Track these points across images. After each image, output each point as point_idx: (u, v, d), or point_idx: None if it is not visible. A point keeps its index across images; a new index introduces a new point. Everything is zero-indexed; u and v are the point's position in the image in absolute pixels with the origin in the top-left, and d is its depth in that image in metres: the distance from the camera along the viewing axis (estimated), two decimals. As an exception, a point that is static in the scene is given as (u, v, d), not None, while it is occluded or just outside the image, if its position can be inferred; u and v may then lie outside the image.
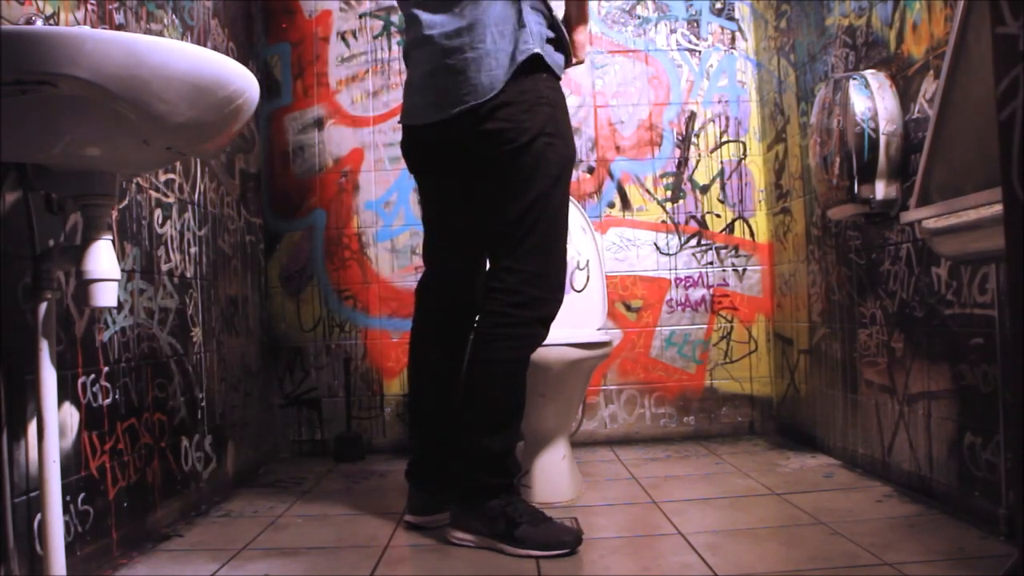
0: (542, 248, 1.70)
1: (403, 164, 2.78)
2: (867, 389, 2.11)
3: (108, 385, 1.62)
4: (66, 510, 1.41)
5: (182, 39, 2.09)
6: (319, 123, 2.85)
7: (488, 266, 1.81)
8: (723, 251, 2.86)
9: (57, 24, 1.46)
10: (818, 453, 2.42)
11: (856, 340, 2.17)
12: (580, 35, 1.89)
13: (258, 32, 2.82)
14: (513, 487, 1.72)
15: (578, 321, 2.46)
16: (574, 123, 2.84)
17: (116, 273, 1.24)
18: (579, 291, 2.49)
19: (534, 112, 1.65)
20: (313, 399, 2.81)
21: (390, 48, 2.86)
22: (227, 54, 2.40)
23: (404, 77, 1.84)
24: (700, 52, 2.89)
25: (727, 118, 2.88)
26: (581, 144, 2.85)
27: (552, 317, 1.73)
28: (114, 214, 1.67)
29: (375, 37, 2.87)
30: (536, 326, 1.71)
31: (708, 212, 2.86)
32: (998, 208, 0.91)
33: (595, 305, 2.47)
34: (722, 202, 2.87)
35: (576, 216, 2.53)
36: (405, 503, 1.90)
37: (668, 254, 2.85)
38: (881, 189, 1.86)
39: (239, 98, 1.22)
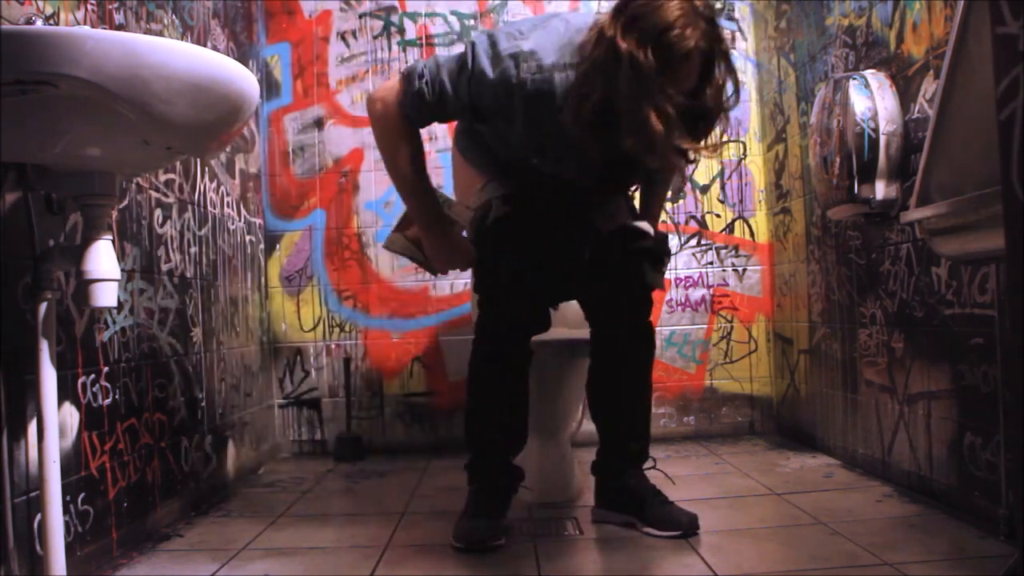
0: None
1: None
2: (867, 389, 2.11)
3: (108, 385, 1.62)
4: (66, 510, 1.41)
5: (182, 39, 2.09)
6: (319, 123, 2.85)
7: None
8: (723, 251, 2.86)
9: (57, 24, 1.46)
10: (818, 453, 2.42)
11: (856, 340, 2.16)
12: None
13: (258, 32, 2.82)
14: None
15: (578, 321, 2.46)
16: (574, 123, 2.83)
17: (116, 273, 1.24)
18: (579, 291, 2.48)
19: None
20: (313, 399, 2.81)
21: (390, 48, 2.86)
22: (227, 54, 2.39)
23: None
24: (700, 52, 2.88)
25: (727, 118, 2.87)
26: (581, 144, 2.85)
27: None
28: (114, 214, 1.67)
29: (375, 37, 2.87)
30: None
31: (708, 212, 2.86)
32: (998, 208, 0.91)
33: (595, 305, 2.46)
34: (722, 202, 2.86)
35: (576, 216, 2.52)
36: (460, 518, 1.72)
37: (668, 254, 2.85)
38: (881, 189, 1.86)
39: (239, 98, 1.22)
